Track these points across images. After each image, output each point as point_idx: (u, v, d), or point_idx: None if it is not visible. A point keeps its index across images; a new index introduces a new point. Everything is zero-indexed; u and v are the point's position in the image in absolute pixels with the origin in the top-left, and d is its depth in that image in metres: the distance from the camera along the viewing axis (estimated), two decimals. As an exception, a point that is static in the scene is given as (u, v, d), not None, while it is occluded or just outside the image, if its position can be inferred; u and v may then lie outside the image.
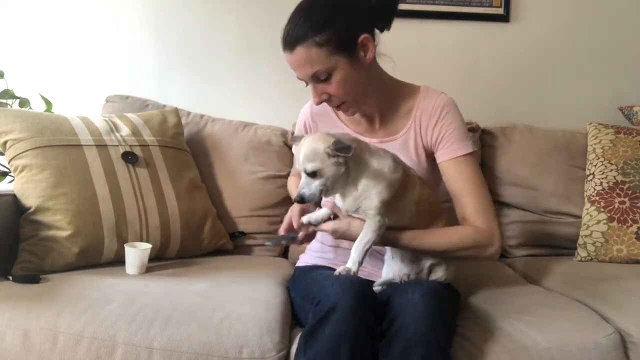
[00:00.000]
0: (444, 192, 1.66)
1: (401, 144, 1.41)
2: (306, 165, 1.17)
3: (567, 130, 2.06)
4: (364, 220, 1.23)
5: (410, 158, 1.40)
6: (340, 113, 1.47)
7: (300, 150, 1.18)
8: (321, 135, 1.20)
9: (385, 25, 1.37)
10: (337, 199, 1.26)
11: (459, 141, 1.36)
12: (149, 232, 1.57)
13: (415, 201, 1.26)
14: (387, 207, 1.21)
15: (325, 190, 1.19)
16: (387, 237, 1.24)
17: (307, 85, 1.35)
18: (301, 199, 1.18)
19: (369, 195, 1.20)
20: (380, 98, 1.41)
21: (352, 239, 1.24)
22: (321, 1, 1.29)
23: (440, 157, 1.38)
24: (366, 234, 1.21)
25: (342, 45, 1.26)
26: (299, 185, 1.20)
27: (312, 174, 1.17)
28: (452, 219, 1.36)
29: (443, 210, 1.35)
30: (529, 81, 2.30)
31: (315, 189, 1.18)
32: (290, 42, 1.27)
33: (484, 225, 1.30)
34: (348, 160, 1.17)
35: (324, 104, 1.40)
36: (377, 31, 1.36)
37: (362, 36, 1.28)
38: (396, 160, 1.25)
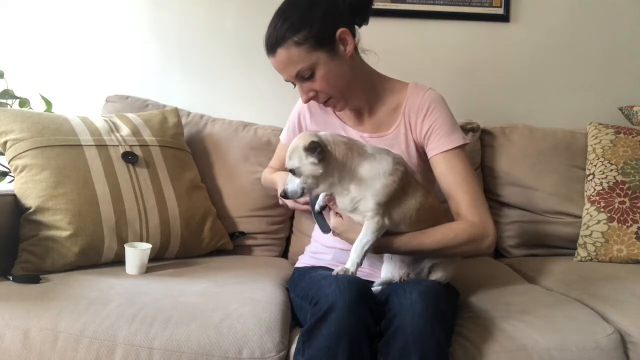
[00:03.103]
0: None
1: (391, 140, 1.42)
2: (288, 162, 1.21)
3: (567, 130, 2.05)
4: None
5: (402, 154, 1.40)
6: None
7: (289, 148, 1.22)
8: (306, 133, 1.22)
9: (362, 20, 1.39)
10: (336, 198, 1.26)
11: (448, 135, 1.36)
12: (149, 232, 1.57)
13: (416, 208, 1.24)
14: (385, 209, 1.21)
15: (308, 189, 1.22)
16: (381, 242, 1.24)
17: (294, 86, 1.37)
18: (284, 195, 1.23)
19: (364, 196, 1.20)
20: (367, 91, 1.43)
21: (350, 240, 1.25)
22: (296, 2, 1.32)
23: (431, 152, 1.38)
24: (365, 235, 1.21)
25: (320, 41, 1.29)
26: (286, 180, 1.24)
27: (292, 172, 1.21)
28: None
29: (447, 219, 1.34)
30: (529, 81, 2.30)
31: (297, 186, 1.21)
32: (271, 45, 1.31)
33: (476, 219, 1.30)
34: (328, 161, 1.18)
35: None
36: (357, 27, 1.38)
37: (340, 30, 1.31)
38: (398, 163, 1.24)
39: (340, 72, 1.34)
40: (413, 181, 1.26)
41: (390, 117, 1.43)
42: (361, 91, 1.41)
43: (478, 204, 1.32)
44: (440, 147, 1.36)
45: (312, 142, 1.16)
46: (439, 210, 1.31)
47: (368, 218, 1.21)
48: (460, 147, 1.36)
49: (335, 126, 1.48)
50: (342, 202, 1.24)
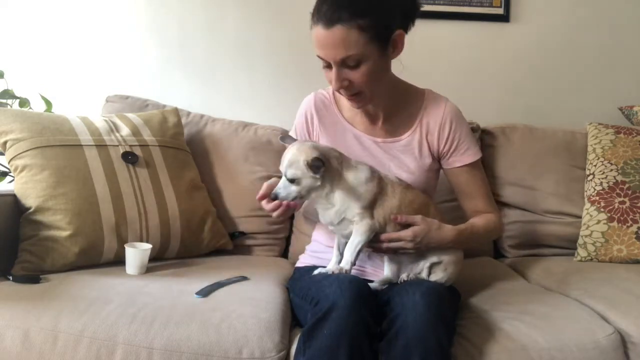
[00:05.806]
0: (444, 192, 1.67)
1: (404, 146, 1.42)
2: (287, 170, 1.23)
3: (567, 130, 2.05)
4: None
5: (415, 160, 1.42)
6: (344, 109, 1.46)
7: (287, 155, 1.25)
8: (308, 146, 1.24)
9: (408, 27, 1.36)
10: (320, 214, 1.31)
11: (471, 148, 1.44)
12: (149, 232, 1.57)
13: (397, 205, 1.29)
14: (371, 211, 1.27)
15: (300, 197, 1.26)
16: (433, 237, 1.29)
17: (325, 65, 1.28)
18: (275, 198, 1.25)
19: (349, 205, 1.26)
20: (388, 97, 1.42)
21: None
22: None
23: (453, 164, 1.44)
24: (355, 237, 1.26)
25: (379, 35, 1.24)
26: (278, 184, 1.26)
27: (291, 180, 1.23)
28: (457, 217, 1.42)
29: (438, 210, 1.39)
30: (529, 81, 2.29)
31: (291, 193, 1.24)
32: (330, 18, 1.20)
33: (496, 212, 1.51)
34: (325, 176, 1.24)
35: (324, 99, 1.46)
36: None
37: (398, 32, 1.28)
38: (374, 170, 1.31)
39: (382, 72, 1.32)
40: (389, 183, 1.31)
41: (406, 123, 1.44)
42: (384, 96, 1.40)
43: (492, 201, 1.51)
44: (464, 160, 1.43)
45: (315, 159, 1.20)
46: (421, 202, 1.34)
47: (357, 222, 1.26)
48: (479, 158, 1.46)
49: (345, 131, 1.46)
50: (328, 215, 1.29)
